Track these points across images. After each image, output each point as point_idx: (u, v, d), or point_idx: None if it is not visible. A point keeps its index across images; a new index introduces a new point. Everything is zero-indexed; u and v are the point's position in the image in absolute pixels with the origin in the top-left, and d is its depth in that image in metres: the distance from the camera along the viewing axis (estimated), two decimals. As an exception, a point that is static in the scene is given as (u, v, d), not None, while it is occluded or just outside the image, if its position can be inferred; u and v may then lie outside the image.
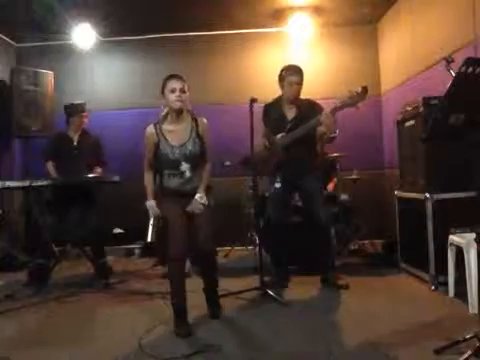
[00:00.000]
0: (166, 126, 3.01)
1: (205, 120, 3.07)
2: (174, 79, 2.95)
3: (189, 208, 2.97)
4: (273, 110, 3.90)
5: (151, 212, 3.06)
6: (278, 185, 3.82)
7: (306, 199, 3.91)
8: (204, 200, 2.96)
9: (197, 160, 3.02)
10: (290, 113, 3.84)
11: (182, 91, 2.92)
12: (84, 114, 4.61)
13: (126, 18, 5.45)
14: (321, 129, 3.67)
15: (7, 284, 4.21)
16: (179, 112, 2.99)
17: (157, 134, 2.99)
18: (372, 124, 6.00)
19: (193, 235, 2.95)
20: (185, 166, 2.98)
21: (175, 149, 2.97)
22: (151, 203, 3.06)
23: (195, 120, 3.04)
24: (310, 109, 3.76)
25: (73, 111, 4.60)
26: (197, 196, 2.96)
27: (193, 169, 3.01)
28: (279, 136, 3.77)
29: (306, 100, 3.89)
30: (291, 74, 3.78)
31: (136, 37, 6.15)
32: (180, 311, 2.94)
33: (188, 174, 3.00)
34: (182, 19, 5.63)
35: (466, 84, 2.11)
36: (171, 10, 5.30)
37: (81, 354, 2.66)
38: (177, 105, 2.94)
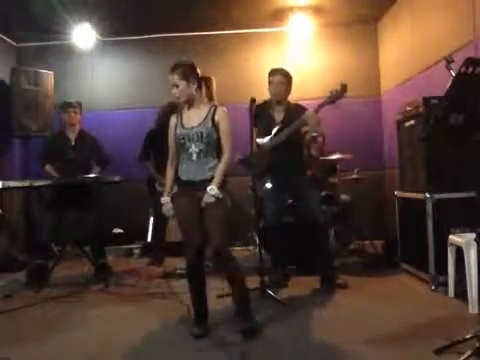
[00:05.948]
0: (184, 110, 2.97)
1: (224, 109, 2.93)
2: (170, 75, 2.87)
3: (202, 204, 2.79)
4: (263, 112, 3.94)
5: (164, 209, 2.94)
6: (269, 185, 3.89)
7: (299, 199, 3.95)
8: (215, 192, 2.76)
9: (208, 146, 2.86)
10: (278, 116, 3.92)
11: (175, 85, 2.85)
12: (71, 110, 4.59)
13: (126, 18, 5.45)
14: (303, 129, 3.77)
15: (7, 284, 4.21)
16: (188, 102, 2.93)
17: (176, 118, 2.96)
18: (372, 124, 6.00)
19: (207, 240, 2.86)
20: (193, 149, 2.85)
21: (186, 130, 2.88)
22: (166, 199, 2.93)
23: (214, 108, 2.93)
24: (297, 112, 3.84)
25: (61, 108, 4.65)
26: (208, 188, 2.77)
27: (202, 154, 2.85)
28: (266, 139, 3.84)
29: (294, 103, 3.98)
30: (271, 75, 3.91)
31: (136, 37, 6.15)
32: (198, 312, 2.92)
33: (195, 158, 2.85)
34: (182, 19, 5.64)
35: (466, 84, 2.11)
36: (171, 10, 5.31)
37: (81, 353, 2.66)
38: (178, 100, 2.93)
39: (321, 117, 3.71)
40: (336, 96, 3.53)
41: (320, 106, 3.61)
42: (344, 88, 3.50)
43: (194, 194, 2.83)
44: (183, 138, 2.87)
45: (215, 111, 2.90)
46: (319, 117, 3.65)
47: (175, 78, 2.84)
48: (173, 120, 2.98)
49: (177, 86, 2.85)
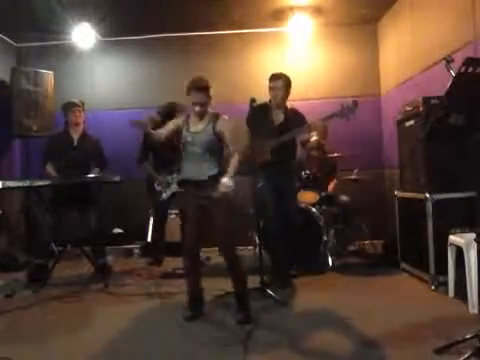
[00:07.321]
0: (192, 117, 3.20)
1: (225, 117, 3.18)
2: (197, 93, 3.06)
3: (215, 194, 2.98)
4: (261, 113, 3.96)
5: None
6: (269, 185, 3.96)
7: (283, 199, 4.02)
8: (229, 182, 2.97)
9: (208, 151, 3.10)
10: (278, 118, 4.01)
11: (201, 104, 3.07)
12: (76, 109, 4.59)
13: (126, 18, 5.45)
14: (305, 136, 3.94)
15: (7, 284, 4.21)
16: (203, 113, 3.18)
17: (183, 122, 3.20)
18: (372, 124, 5.99)
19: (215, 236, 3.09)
20: (195, 151, 3.10)
21: (190, 134, 3.13)
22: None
23: (216, 116, 3.16)
24: (295, 117, 3.98)
25: (66, 108, 4.64)
26: (223, 179, 3.00)
27: (202, 157, 3.09)
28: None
29: (292, 108, 4.07)
30: (272, 80, 4.00)
31: (136, 37, 6.15)
32: (192, 299, 3.18)
33: (196, 160, 3.10)
34: (182, 19, 5.64)
35: (466, 84, 2.11)
36: (171, 10, 5.30)
37: (81, 353, 2.66)
38: (197, 113, 3.14)
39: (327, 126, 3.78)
40: (347, 111, 3.59)
41: (327, 118, 3.68)
42: (356, 104, 3.57)
43: (195, 193, 3.09)
44: (187, 140, 3.12)
45: (216, 120, 3.12)
46: (326, 127, 3.72)
47: (203, 98, 3.07)
48: (179, 120, 3.23)
49: (203, 104, 3.08)
